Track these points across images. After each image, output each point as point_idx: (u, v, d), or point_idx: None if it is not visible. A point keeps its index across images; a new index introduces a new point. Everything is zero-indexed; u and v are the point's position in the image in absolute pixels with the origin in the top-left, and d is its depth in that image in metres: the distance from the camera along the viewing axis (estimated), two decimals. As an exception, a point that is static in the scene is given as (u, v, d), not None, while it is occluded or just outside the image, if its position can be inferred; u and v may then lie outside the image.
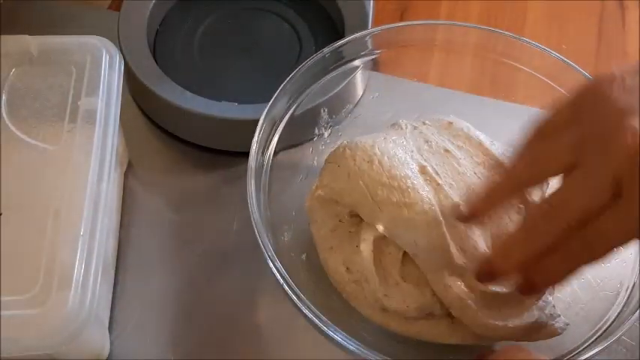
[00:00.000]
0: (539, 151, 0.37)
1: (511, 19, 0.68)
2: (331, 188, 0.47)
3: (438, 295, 0.44)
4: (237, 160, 0.58)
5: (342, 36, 0.61)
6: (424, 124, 0.51)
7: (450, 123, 0.50)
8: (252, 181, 0.46)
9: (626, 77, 0.35)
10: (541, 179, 0.39)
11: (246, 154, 0.47)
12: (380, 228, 0.44)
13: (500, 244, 0.40)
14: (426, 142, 0.49)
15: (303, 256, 0.49)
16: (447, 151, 0.48)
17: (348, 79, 0.56)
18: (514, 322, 0.43)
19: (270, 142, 0.50)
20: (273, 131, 0.50)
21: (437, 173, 0.46)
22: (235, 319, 0.51)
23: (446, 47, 0.55)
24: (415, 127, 0.50)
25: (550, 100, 0.40)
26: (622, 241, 0.35)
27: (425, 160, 0.47)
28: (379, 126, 0.53)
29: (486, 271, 0.39)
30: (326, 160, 0.49)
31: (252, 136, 0.48)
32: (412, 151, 0.48)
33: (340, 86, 0.55)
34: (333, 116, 0.56)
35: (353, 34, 0.53)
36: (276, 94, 0.50)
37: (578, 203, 0.35)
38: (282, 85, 0.50)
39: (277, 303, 0.51)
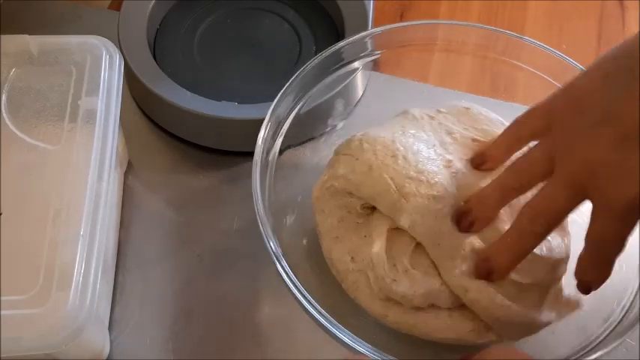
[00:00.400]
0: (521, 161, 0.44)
1: (511, 19, 0.68)
2: (348, 180, 0.47)
3: (449, 284, 0.44)
4: (237, 160, 0.58)
5: (342, 36, 0.61)
6: (440, 112, 0.50)
7: (467, 108, 0.50)
8: (258, 175, 0.46)
9: (584, 99, 0.40)
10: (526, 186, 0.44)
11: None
12: (402, 219, 0.44)
13: (495, 245, 0.44)
14: (449, 133, 0.48)
15: (304, 241, 0.50)
16: (474, 140, 0.48)
17: (349, 80, 0.56)
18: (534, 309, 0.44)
19: (276, 138, 0.51)
20: (279, 127, 0.51)
21: (464, 166, 0.46)
22: (235, 319, 0.51)
23: (446, 47, 0.55)
24: (432, 117, 0.49)
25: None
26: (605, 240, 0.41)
27: (450, 153, 0.47)
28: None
29: (485, 268, 0.44)
30: (337, 151, 0.49)
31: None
32: (434, 146, 0.47)
33: (340, 86, 0.55)
34: (334, 116, 0.56)
35: (353, 33, 0.53)
36: (281, 92, 0.50)
37: (556, 205, 0.41)
38: (288, 83, 0.50)
39: (277, 303, 0.51)
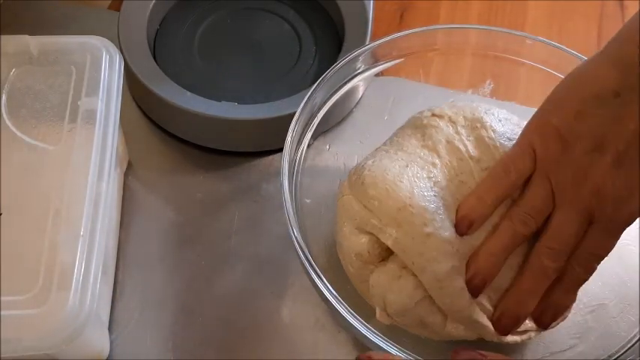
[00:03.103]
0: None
1: (511, 19, 0.68)
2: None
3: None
4: (237, 160, 0.58)
5: (342, 36, 0.61)
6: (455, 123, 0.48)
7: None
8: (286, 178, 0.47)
9: (565, 133, 0.42)
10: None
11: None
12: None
13: (514, 295, 0.44)
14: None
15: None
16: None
17: (351, 83, 0.56)
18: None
19: (304, 135, 0.51)
20: (307, 125, 0.51)
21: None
22: (235, 319, 0.51)
23: (446, 50, 0.55)
24: (449, 142, 0.47)
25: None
26: (605, 254, 0.43)
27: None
28: (379, 126, 0.53)
29: (506, 324, 0.44)
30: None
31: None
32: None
33: (343, 89, 0.55)
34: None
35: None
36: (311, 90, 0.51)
37: (573, 237, 0.42)
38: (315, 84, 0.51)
39: (277, 302, 0.51)
